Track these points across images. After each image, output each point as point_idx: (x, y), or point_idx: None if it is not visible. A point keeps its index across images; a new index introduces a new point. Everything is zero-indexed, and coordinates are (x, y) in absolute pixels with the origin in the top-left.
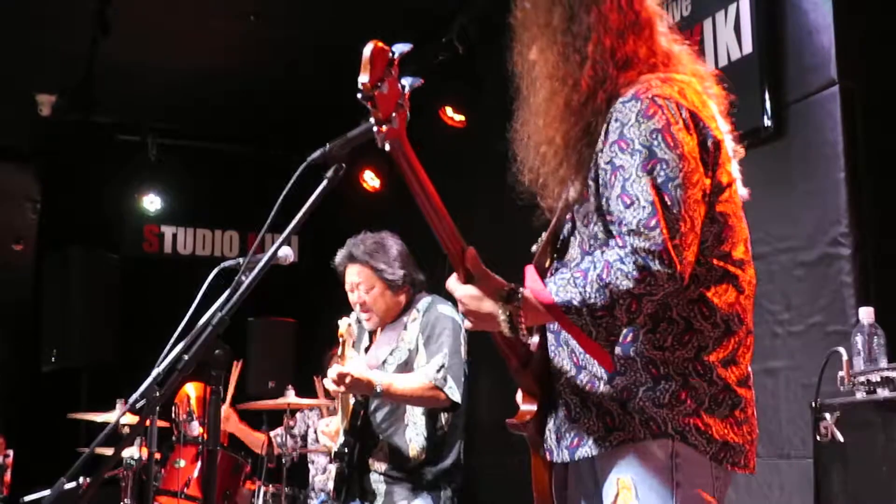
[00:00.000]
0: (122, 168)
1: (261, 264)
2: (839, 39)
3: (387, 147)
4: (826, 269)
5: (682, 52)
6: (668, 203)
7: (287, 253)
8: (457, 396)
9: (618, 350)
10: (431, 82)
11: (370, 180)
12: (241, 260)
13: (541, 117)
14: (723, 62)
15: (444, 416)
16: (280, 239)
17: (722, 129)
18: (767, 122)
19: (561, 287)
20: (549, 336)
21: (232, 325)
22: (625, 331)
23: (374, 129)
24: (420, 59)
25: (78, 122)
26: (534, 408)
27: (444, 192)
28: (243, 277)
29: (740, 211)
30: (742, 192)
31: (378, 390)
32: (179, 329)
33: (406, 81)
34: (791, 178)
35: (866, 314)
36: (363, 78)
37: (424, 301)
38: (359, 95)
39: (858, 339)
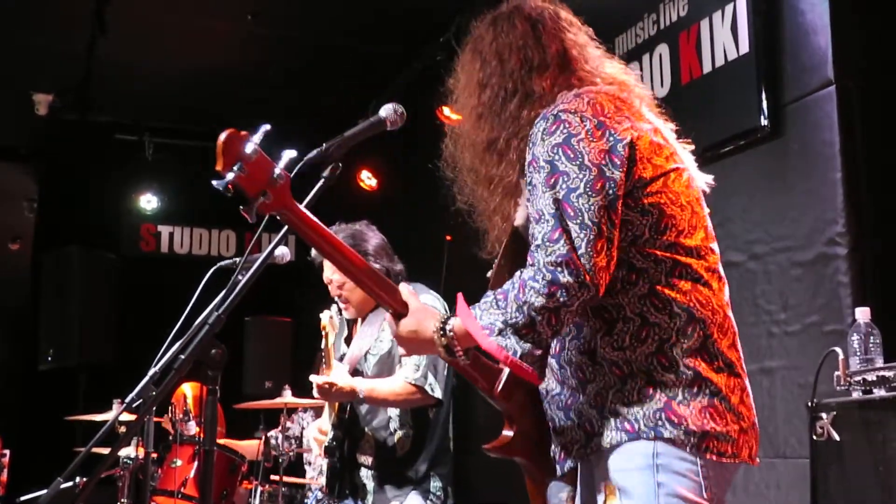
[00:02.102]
0: (119, 167)
1: (257, 263)
2: (836, 40)
3: (278, 217)
4: (823, 268)
5: (602, 67)
6: (572, 214)
7: (284, 252)
8: (438, 393)
9: (551, 361)
10: (430, 82)
11: (367, 179)
12: (237, 259)
13: (471, 163)
14: (720, 62)
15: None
16: (277, 238)
17: (650, 123)
18: (764, 122)
19: (485, 311)
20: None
21: (228, 324)
22: (553, 342)
23: (249, 206)
24: (419, 59)
25: (75, 122)
26: (510, 433)
27: (439, 191)
28: (240, 276)
29: (688, 198)
30: (705, 177)
31: (360, 396)
32: (176, 328)
33: (283, 154)
34: (788, 178)
35: (863, 314)
36: (217, 166)
37: (426, 297)
38: (213, 183)
39: (855, 339)
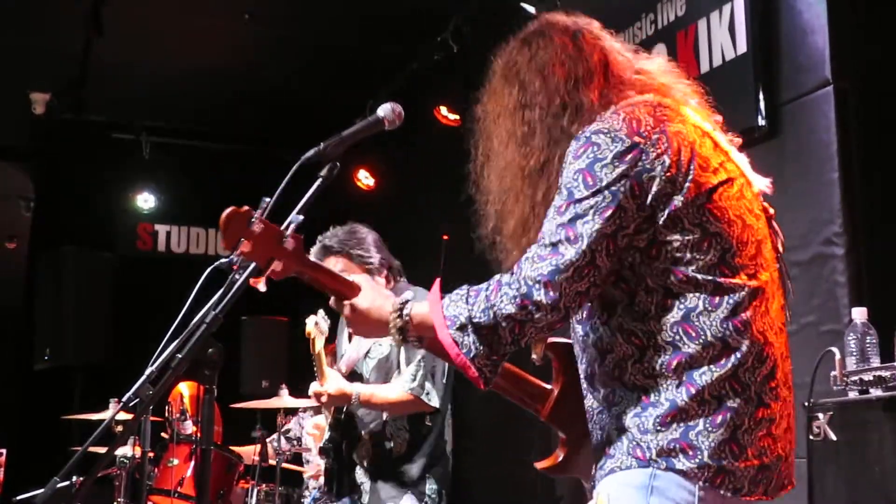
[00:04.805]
0: (116, 166)
1: (254, 263)
2: (833, 39)
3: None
4: (819, 268)
5: (641, 65)
6: (572, 238)
7: None
8: (436, 402)
9: (587, 380)
10: (427, 82)
11: (364, 179)
12: (234, 258)
13: (513, 187)
14: (717, 62)
15: None
16: None
17: (697, 127)
18: (761, 122)
19: (453, 303)
20: (583, 381)
21: (225, 324)
22: (583, 363)
23: (262, 275)
24: (416, 59)
25: (72, 121)
26: (560, 454)
27: (437, 190)
28: (237, 276)
29: (738, 210)
30: (763, 180)
31: (355, 401)
32: (173, 328)
33: (291, 218)
34: (785, 178)
35: (859, 314)
36: (222, 244)
37: (408, 293)
38: (222, 262)
39: (851, 339)
